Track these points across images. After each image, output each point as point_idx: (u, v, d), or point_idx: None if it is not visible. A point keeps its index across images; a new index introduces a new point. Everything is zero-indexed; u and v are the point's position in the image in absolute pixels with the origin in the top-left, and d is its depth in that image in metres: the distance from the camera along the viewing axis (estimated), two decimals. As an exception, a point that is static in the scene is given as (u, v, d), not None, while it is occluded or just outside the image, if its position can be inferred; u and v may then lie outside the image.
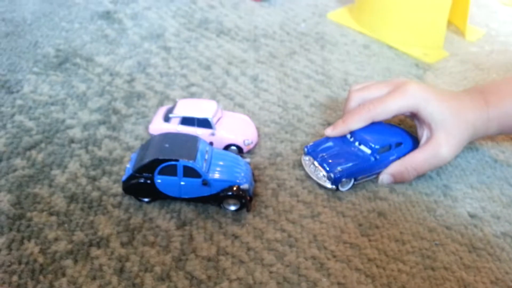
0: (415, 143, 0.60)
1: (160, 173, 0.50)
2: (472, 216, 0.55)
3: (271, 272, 0.46)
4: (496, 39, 0.97)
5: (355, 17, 0.98)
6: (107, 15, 0.90)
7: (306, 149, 0.59)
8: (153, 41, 0.84)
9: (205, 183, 0.50)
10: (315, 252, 0.49)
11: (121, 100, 0.68)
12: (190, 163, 0.49)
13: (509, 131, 0.61)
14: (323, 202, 0.55)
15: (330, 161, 0.56)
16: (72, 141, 0.60)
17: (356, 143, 0.58)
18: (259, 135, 0.64)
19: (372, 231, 0.52)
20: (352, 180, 0.56)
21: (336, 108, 0.72)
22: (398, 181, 0.58)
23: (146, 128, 0.63)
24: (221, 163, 0.53)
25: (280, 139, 0.64)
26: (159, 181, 0.50)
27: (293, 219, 0.52)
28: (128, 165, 0.52)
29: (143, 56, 0.79)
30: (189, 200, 0.52)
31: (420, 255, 0.50)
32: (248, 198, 0.51)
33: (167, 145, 0.51)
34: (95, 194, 0.53)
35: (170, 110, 0.61)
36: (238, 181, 0.51)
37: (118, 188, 0.54)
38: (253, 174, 0.56)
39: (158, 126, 0.60)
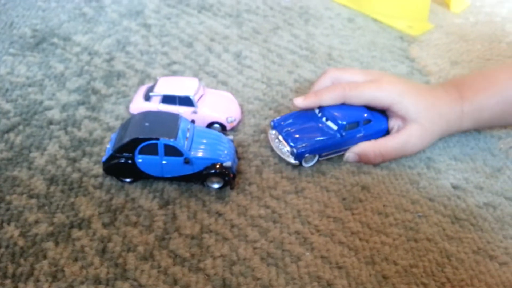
0: (385, 121, 0.59)
1: (141, 152, 0.49)
2: (455, 187, 0.55)
3: (255, 248, 0.47)
4: (481, 10, 0.96)
5: (340, -10, 0.96)
6: (84, -7, 0.87)
7: (272, 123, 0.58)
8: (133, 19, 0.81)
9: (187, 161, 0.50)
10: (299, 227, 0.49)
11: (101, 79, 0.67)
12: (171, 142, 0.49)
13: (482, 126, 0.62)
14: (307, 178, 0.55)
15: (294, 136, 0.55)
16: (50, 122, 0.59)
17: (324, 119, 0.57)
18: (242, 112, 0.63)
19: (355, 205, 0.52)
20: (317, 156, 0.56)
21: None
22: (363, 162, 0.57)
23: (127, 107, 0.62)
24: (203, 141, 0.52)
25: (264, 116, 0.64)
26: (140, 160, 0.50)
27: (277, 195, 0.52)
28: (108, 146, 0.52)
29: (122, 34, 0.77)
30: (171, 179, 0.51)
31: (403, 227, 0.50)
32: (232, 175, 0.51)
33: (147, 124, 0.50)
34: (76, 175, 0.52)
35: (150, 89, 0.60)
36: (221, 158, 0.51)
37: (99, 169, 0.53)
38: (236, 152, 0.56)
39: (138, 105, 0.59)
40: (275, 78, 0.71)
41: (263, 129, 0.61)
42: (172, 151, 0.49)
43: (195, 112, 0.58)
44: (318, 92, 0.58)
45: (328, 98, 0.57)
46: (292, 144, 0.54)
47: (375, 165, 0.57)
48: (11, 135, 0.56)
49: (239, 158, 0.56)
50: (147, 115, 0.52)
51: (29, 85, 0.64)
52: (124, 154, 0.49)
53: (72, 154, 0.54)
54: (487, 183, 0.56)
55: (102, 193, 0.50)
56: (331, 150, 0.56)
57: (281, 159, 0.57)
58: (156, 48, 0.75)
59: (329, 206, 0.52)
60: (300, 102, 0.58)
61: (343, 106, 0.57)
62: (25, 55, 0.70)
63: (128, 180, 0.52)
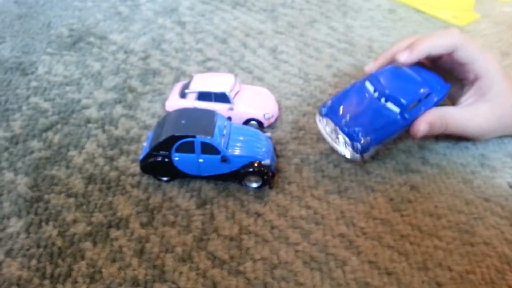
0: (444, 90, 0.51)
1: (178, 150, 0.48)
2: (512, 187, 0.51)
3: (297, 251, 0.44)
4: (533, -4, 0.89)
5: (379, -20, 0.92)
6: (119, -8, 0.87)
7: (323, 109, 0.51)
8: (167, 16, 0.81)
9: (224, 159, 0.48)
10: (343, 229, 0.46)
11: (137, 77, 0.66)
12: (207, 139, 0.47)
13: None
14: (350, 177, 0.52)
15: (355, 128, 0.48)
16: (88, 121, 0.58)
17: (382, 100, 0.49)
18: (280, 109, 0.61)
19: (404, 206, 0.48)
20: (376, 147, 0.50)
21: (362, 77, 0.68)
22: (430, 133, 0.50)
23: (163, 105, 0.61)
24: (240, 138, 0.50)
25: (302, 112, 0.61)
26: (176, 158, 0.48)
27: (319, 195, 0.50)
28: (145, 144, 0.51)
29: (157, 32, 0.76)
30: (208, 178, 0.50)
31: (457, 229, 0.46)
32: (270, 174, 0.49)
33: (183, 121, 0.48)
34: (113, 174, 0.51)
35: (186, 86, 0.58)
36: (259, 156, 0.49)
37: (136, 168, 0.52)
38: (274, 149, 0.53)
39: (174, 103, 0.58)
40: (312, 72, 0.68)
41: (302, 126, 0.59)
42: (209, 149, 0.47)
43: (231, 109, 0.56)
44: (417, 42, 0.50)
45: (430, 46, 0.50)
46: (354, 137, 0.48)
47: (423, 163, 0.53)
48: (49, 134, 0.56)
49: (277, 156, 0.54)
50: (183, 112, 0.50)
51: (67, 84, 0.64)
52: (160, 152, 0.48)
53: (110, 153, 0.54)
54: (549, 182, 0.51)
55: (140, 192, 0.49)
56: (393, 136, 0.50)
57: (322, 157, 0.54)
58: (190, 45, 0.74)
59: (375, 207, 0.48)
60: (407, 58, 0.50)
61: (397, 79, 0.50)
62: (62, 55, 0.70)
63: (165, 179, 0.50)
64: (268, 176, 0.49)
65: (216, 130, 0.48)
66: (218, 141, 0.47)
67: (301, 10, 0.84)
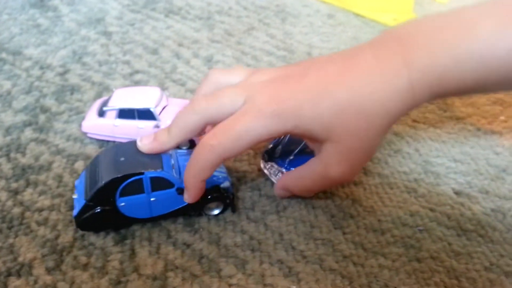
0: None
1: (123, 194, 0.41)
2: (457, 193, 0.48)
3: (230, 285, 0.39)
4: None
5: (317, -16, 0.90)
6: (40, 3, 0.80)
7: (266, 156, 0.48)
8: (92, 27, 0.74)
9: (181, 191, 0.42)
10: (282, 254, 0.42)
11: (52, 95, 0.59)
12: (158, 173, 0.40)
13: (448, 96, 0.41)
14: (289, 194, 0.48)
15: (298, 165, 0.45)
16: (-9, 149, 0.51)
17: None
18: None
19: (346, 222, 0.45)
20: None
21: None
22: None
23: (80, 125, 0.54)
24: None
25: (238, 126, 0.56)
26: (122, 204, 0.41)
27: (255, 217, 0.45)
28: (74, 195, 0.42)
29: (79, 44, 0.70)
30: (164, 218, 0.43)
31: (402, 245, 0.43)
32: (232, 197, 0.44)
33: (122, 159, 0.41)
34: (16, 210, 0.44)
35: (105, 103, 0.52)
36: (218, 180, 0.44)
37: (44, 201, 0.45)
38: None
39: (92, 123, 0.52)
40: (250, 82, 0.64)
41: (238, 141, 0.54)
42: (160, 184, 0.41)
43: (157, 126, 0.51)
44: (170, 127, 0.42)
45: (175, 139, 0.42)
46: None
47: (366, 173, 0.50)
48: None
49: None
50: (119, 149, 0.43)
51: (-31, 107, 0.56)
52: (101, 201, 0.40)
53: (14, 185, 0.47)
54: (493, 186, 0.49)
55: (47, 230, 0.42)
56: None
57: (259, 174, 0.50)
58: (116, 57, 0.67)
59: (316, 226, 0.44)
60: (145, 146, 0.42)
61: None
62: (-33, 74, 0.62)
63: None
64: (230, 199, 0.44)
65: (164, 160, 0.42)
66: (170, 172, 0.41)
67: (239, 18, 0.80)
